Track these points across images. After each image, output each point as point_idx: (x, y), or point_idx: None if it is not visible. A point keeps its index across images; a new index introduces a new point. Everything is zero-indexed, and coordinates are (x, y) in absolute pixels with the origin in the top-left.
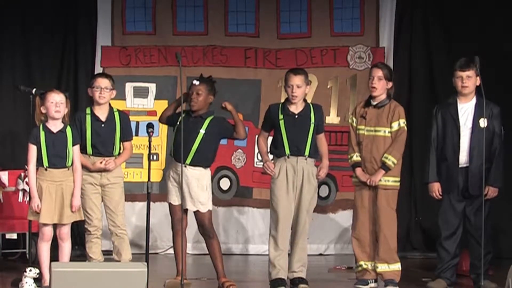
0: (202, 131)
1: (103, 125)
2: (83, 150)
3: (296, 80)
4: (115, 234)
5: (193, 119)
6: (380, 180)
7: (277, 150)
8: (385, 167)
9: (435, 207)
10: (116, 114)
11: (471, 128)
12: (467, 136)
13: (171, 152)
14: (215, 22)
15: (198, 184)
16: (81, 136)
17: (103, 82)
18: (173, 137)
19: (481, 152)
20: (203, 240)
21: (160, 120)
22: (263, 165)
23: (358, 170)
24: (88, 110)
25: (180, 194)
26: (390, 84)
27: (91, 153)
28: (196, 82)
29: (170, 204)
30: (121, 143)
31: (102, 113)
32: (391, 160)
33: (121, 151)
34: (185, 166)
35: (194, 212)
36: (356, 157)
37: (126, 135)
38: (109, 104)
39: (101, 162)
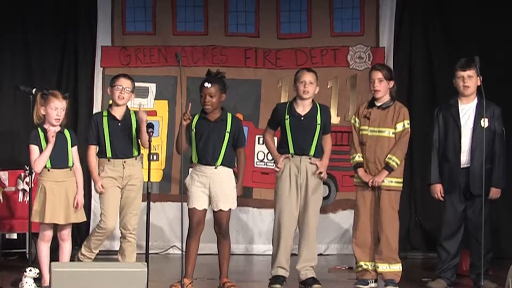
0: (228, 133)
1: (119, 123)
2: (102, 154)
3: (309, 76)
4: (125, 236)
5: (214, 123)
6: (383, 181)
7: (282, 149)
8: (389, 168)
9: (435, 207)
10: (132, 114)
11: (472, 128)
12: (468, 136)
13: (193, 158)
14: (215, 22)
15: (231, 183)
16: (98, 138)
17: (125, 83)
18: (193, 143)
19: (482, 152)
20: (203, 240)
21: (179, 151)
22: (274, 160)
23: (361, 171)
24: (105, 112)
25: (205, 197)
26: (392, 83)
27: (110, 155)
28: (208, 85)
29: (193, 208)
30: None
31: (119, 114)
32: (394, 161)
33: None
34: (215, 168)
35: (215, 211)
36: (358, 158)
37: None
38: (127, 106)
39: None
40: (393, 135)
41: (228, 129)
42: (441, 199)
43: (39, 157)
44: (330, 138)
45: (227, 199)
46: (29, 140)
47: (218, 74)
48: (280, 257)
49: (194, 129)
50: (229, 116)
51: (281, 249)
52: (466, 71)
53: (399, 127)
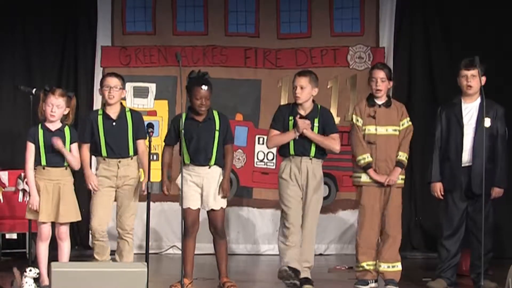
0: (217, 131)
1: (114, 123)
2: (97, 153)
3: (301, 81)
4: (121, 236)
5: (202, 123)
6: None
7: (283, 149)
8: (401, 165)
9: (435, 207)
10: (128, 113)
11: (475, 127)
12: (470, 135)
13: (185, 159)
14: (215, 22)
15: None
16: (93, 137)
17: (112, 82)
18: (184, 145)
19: (484, 152)
20: (202, 240)
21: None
22: (298, 126)
23: (372, 171)
24: (100, 111)
25: (200, 197)
26: (391, 83)
27: (106, 155)
28: (205, 88)
29: (188, 208)
30: (136, 142)
31: (113, 112)
32: (406, 157)
33: (136, 151)
34: (209, 168)
35: (209, 212)
36: (369, 158)
37: (139, 133)
38: (121, 103)
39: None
40: (397, 133)
41: (217, 127)
42: (441, 197)
43: (29, 169)
44: (338, 138)
45: (219, 198)
46: (27, 136)
47: (205, 74)
48: (290, 251)
49: (183, 131)
50: (216, 113)
51: (291, 244)
52: (470, 70)
53: (403, 124)
